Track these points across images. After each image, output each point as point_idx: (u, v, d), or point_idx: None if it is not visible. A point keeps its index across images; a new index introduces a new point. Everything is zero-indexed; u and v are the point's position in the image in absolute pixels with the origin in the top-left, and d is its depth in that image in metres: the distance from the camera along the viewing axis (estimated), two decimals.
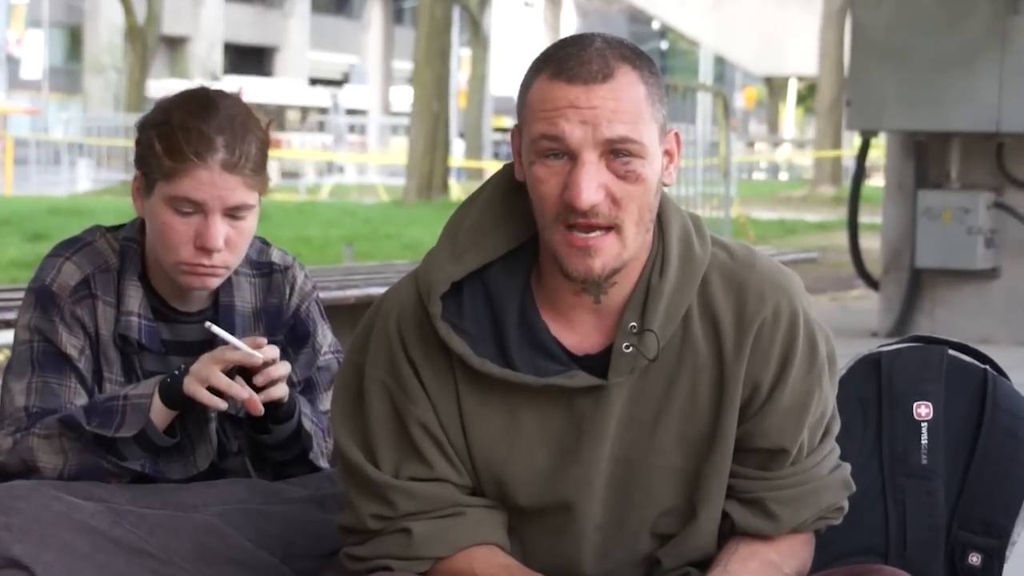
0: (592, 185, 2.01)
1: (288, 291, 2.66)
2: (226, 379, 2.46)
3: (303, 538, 2.49)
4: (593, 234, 2.03)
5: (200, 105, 2.50)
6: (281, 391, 2.50)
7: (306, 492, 2.59)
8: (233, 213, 2.49)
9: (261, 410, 2.48)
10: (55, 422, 2.48)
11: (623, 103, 2.03)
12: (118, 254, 2.57)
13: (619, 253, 2.05)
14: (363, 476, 2.14)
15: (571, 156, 2.03)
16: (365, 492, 2.14)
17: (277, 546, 2.48)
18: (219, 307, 2.60)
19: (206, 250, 2.48)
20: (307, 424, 2.58)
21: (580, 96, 2.02)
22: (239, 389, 2.46)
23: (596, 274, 2.04)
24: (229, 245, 2.50)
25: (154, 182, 2.50)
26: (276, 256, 2.68)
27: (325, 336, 2.70)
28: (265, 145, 2.53)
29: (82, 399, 2.52)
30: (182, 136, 2.46)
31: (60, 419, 2.47)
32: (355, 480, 2.15)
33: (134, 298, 2.54)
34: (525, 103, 2.08)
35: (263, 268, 2.66)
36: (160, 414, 2.48)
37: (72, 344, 2.52)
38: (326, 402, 2.67)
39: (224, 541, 2.44)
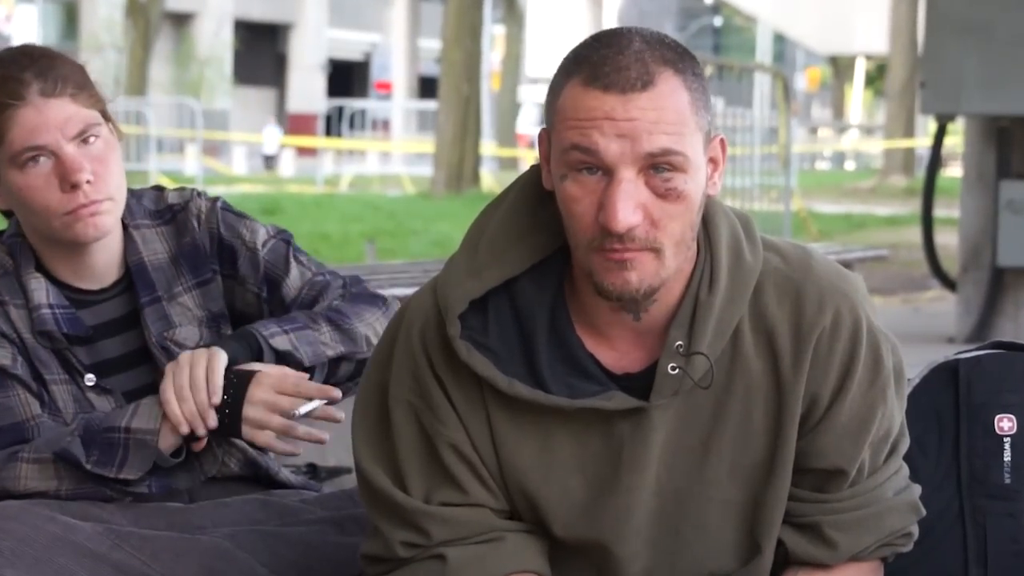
0: (629, 206, 1.98)
1: (196, 224, 2.66)
2: (296, 427, 2.49)
3: (321, 563, 2.50)
4: (629, 251, 2.01)
5: None
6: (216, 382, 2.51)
7: (325, 513, 2.59)
8: (82, 139, 2.50)
9: (340, 417, 2.51)
10: (46, 446, 2.49)
11: (665, 112, 2.00)
12: (9, 254, 2.59)
13: (656, 271, 2.03)
14: (391, 503, 2.13)
15: (606, 172, 2.00)
16: (394, 519, 2.13)
17: (293, 571, 2.48)
18: (131, 272, 2.62)
19: (75, 186, 2.49)
20: (282, 345, 2.56)
21: (617, 107, 1.99)
22: (304, 433, 2.50)
23: (633, 289, 2.02)
24: (95, 176, 2.51)
25: None
26: (173, 197, 2.69)
27: (254, 230, 2.68)
28: (80, 67, 2.55)
29: (36, 407, 2.53)
30: None
31: (55, 451, 2.48)
32: (382, 507, 2.15)
33: (38, 291, 2.56)
34: (555, 109, 2.05)
35: (164, 215, 2.66)
36: (168, 441, 2.50)
37: (1, 356, 2.53)
38: (292, 285, 2.66)
39: (235, 566, 2.45)
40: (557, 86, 2.05)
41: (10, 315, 2.55)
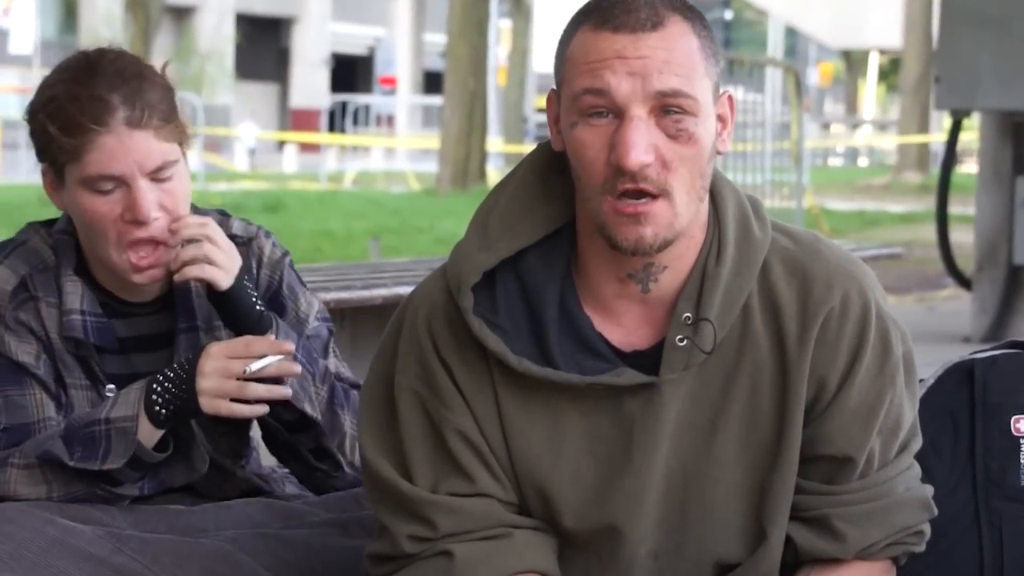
0: (642, 144, 2.01)
1: (255, 265, 2.66)
2: (252, 386, 2.48)
3: (325, 566, 2.50)
4: (643, 200, 2.03)
5: (83, 70, 2.50)
6: (203, 272, 2.51)
7: (329, 515, 2.59)
8: (156, 175, 2.49)
9: (297, 370, 2.51)
10: (35, 449, 2.48)
11: (675, 53, 2.04)
12: (53, 249, 2.58)
13: (671, 222, 2.05)
14: (397, 493, 2.14)
15: (617, 113, 2.03)
16: (400, 511, 2.14)
17: (296, 574, 2.48)
18: (175, 293, 2.60)
19: (139, 223, 2.48)
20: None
21: (628, 46, 2.03)
22: (264, 391, 2.49)
23: (648, 243, 2.04)
24: (164, 211, 2.50)
25: (63, 168, 2.50)
26: (237, 228, 2.67)
27: (310, 303, 2.70)
28: (169, 91, 2.52)
29: (50, 409, 2.53)
30: (74, 108, 2.46)
31: (39, 455, 2.48)
32: (388, 499, 2.15)
33: (73, 295, 2.55)
34: (564, 59, 2.09)
35: None
36: (149, 433, 2.49)
37: (25, 351, 2.53)
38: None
39: (237, 569, 2.45)
40: (567, 37, 2.09)
41: (41, 312, 2.54)
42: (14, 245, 2.59)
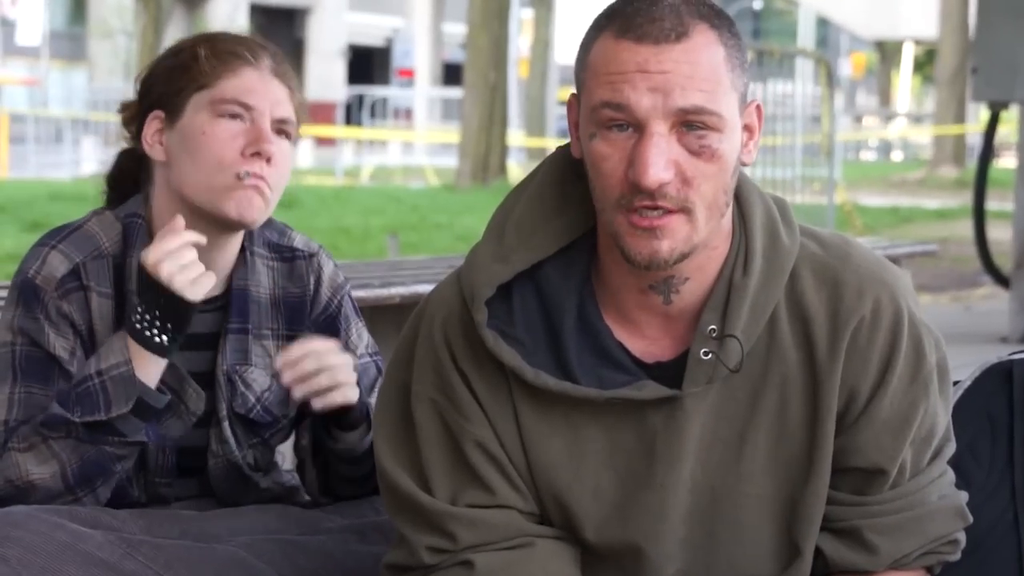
0: (661, 161, 2.00)
1: (312, 282, 2.68)
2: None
3: (342, 573, 2.50)
4: (657, 212, 2.02)
5: (233, 34, 2.65)
6: (345, 396, 2.54)
7: (345, 521, 2.60)
8: (279, 127, 2.57)
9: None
10: (33, 430, 2.49)
11: (699, 68, 2.02)
12: (120, 234, 2.58)
13: (688, 236, 2.04)
14: (416, 506, 2.14)
15: (637, 128, 2.02)
16: (419, 524, 2.14)
17: None
18: (232, 291, 2.61)
19: (258, 154, 2.53)
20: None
21: (650, 58, 2.01)
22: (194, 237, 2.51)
23: (663, 258, 2.03)
24: (274, 164, 2.56)
25: (186, 100, 2.55)
26: (299, 241, 2.70)
27: (361, 336, 2.72)
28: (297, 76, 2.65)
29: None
30: (231, 43, 2.60)
31: (41, 423, 2.48)
32: (407, 511, 2.15)
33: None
34: (585, 66, 2.07)
35: (284, 252, 2.67)
36: (149, 370, 2.50)
37: (61, 345, 2.53)
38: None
39: None
40: (588, 42, 2.08)
41: (91, 303, 2.55)
42: (70, 230, 2.60)
